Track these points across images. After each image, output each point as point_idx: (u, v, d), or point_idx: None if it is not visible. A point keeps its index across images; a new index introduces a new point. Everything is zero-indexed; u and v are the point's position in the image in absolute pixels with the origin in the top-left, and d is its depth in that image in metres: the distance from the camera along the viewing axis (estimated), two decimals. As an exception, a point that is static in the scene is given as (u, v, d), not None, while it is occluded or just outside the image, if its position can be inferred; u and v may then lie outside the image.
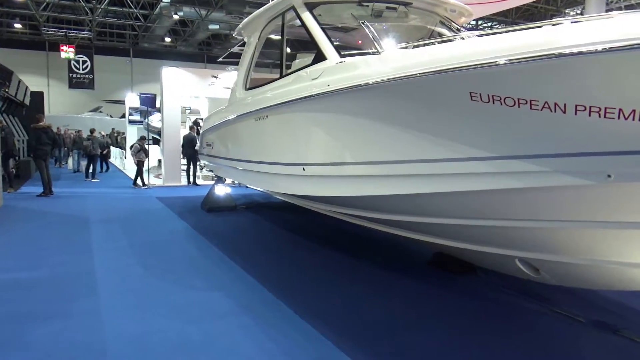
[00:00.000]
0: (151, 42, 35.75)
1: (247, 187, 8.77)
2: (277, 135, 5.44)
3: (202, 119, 14.39)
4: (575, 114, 2.61)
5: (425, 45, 3.90)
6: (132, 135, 21.28)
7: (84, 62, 31.28)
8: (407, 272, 5.36)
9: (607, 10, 13.36)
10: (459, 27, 5.96)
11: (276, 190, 5.91)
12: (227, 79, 12.64)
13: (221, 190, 9.22)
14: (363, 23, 4.75)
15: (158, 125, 16.49)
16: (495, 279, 4.97)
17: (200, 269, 5.59)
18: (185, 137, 13.11)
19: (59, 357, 3.34)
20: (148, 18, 28.14)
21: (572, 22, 2.74)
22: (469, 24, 6.83)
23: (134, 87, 34.84)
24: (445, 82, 3.12)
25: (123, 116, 28.54)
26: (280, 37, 6.02)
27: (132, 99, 21.50)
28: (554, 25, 2.85)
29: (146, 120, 18.24)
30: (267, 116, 5.57)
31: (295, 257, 6.13)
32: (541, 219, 3.30)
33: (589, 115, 2.57)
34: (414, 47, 3.81)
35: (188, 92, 13.38)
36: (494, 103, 2.92)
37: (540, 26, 2.88)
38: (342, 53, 4.56)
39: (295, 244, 6.86)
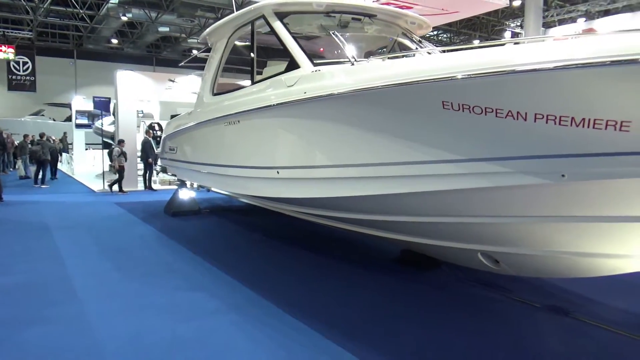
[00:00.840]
0: (97, 43, 34.53)
1: (210, 190, 8.85)
2: (249, 140, 5.59)
3: (157, 123, 14.21)
4: (535, 121, 2.98)
5: (395, 57, 4.23)
6: (79, 139, 20.55)
7: (25, 63, 29.73)
8: (377, 269, 5.66)
9: (543, 24, 14.36)
10: (419, 39, 6.35)
11: (247, 193, 6.04)
12: (185, 84, 12.61)
13: (185, 194, 9.21)
14: (333, 33, 5.04)
15: (110, 129, 16.06)
16: (458, 272, 5.36)
17: (178, 271, 5.65)
18: (143, 142, 12.88)
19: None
20: (94, 19, 27.21)
21: (528, 42, 3.13)
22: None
23: (78, 89, 33.48)
24: (419, 92, 3.42)
25: (67, 119, 27.42)
26: (249, 44, 6.19)
27: (79, 102, 20.75)
28: (515, 44, 3.23)
29: (98, 124, 17.67)
30: (238, 121, 5.70)
31: (269, 258, 6.29)
32: (503, 215, 3.67)
33: (546, 122, 2.94)
34: (388, 58, 4.11)
35: (144, 95, 13.17)
36: (463, 111, 3.25)
37: (504, 44, 3.25)
38: (315, 62, 4.80)
39: (265, 245, 7.03)
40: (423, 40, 6.34)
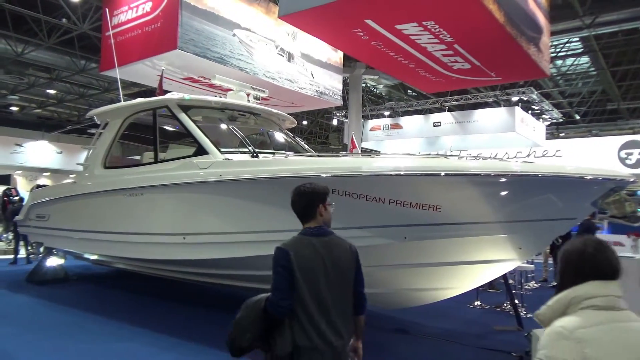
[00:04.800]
0: None
1: (78, 258, 9.00)
2: (155, 210, 6.45)
3: (11, 189, 13.21)
4: (389, 203, 4.82)
5: (288, 155, 5.87)
6: None
7: None
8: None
9: (362, 116, 17.75)
10: (287, 130, 8.12)
11: (149, 257, 6.73)
12: (34, 149, 12.30)
13: (53, 262, 9.06)
14: (233, 129, 6.49)
15: None
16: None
17: (97, 329, 6.05)
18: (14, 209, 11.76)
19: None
20: None
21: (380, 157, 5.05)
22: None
23: None
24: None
25: None
26: (147, 124, 7.18)
27: None
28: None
29: None
30: (142, 194, 6.56)
31: (168, 313, 7.00)
32: (367, 265, 5.39)
33: (396, 204, 4.81)
34: (286, 156, 5.72)
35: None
36: (344, 195, 4.95)
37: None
38: (221, 150, 6.10)
39: (159, 304, 7.63)
40: (289, 132, 8.11)
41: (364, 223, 5.07)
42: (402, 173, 4.69)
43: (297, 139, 8.19)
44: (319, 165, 5.17)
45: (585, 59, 17.65)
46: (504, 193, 4.65)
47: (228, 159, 5.88)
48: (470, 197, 4.66)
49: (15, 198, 13.82)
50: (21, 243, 11.59)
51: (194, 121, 6.53)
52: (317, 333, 2.46)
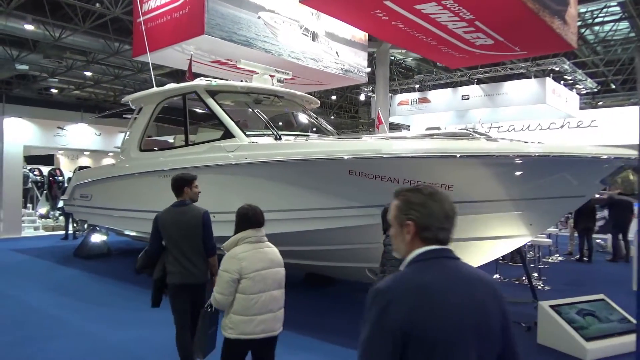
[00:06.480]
0: None
1: (120, 234, 9.66)
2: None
3: (56, 169, 14.11)
4: (403, 183, 5.07)
5: (308, 138, 6.15)
6: None
7: None
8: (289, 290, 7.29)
9: (390, 90, 17.75)
10: (310, 111, 8.39)
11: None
12: (75, 131, 13.02)
13: (97, 238, 9.79)
14: (258, 112, 6.81)
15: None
16: (348, 286, 7.27)
17: (138, 299, 6.60)
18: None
19: None
20: None
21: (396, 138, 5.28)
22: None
23: None
24: (330, 163, 5.35)
25: None
26: (178, 107, 7.59)
27: None
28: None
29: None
30: (175, 175, 7.01)
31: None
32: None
33: (410, 184, 5.05)
34: (307, 139, 6.01)
35: (32, 142, 13.20)
36: (361, 176, 5.23)
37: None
38: (246, 133, 6.45)
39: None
40: (312, 113, 8.38)
41: (380, 202, 5.35)
42: (419, 155, 4.91)
43: (320, 119, 8.45)
44: (337, 148, 5.45)
45: (625, 24, 16.98)
46: (514, 173, 4.83)
47: (253, 142, 6.23)
48: (481, 176, 4.86)
49: (60, 178, 14.73)
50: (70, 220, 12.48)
51: (221, 105, 6.88)
52: (178, 263, 3.96)
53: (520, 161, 4.68)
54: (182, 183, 4.15)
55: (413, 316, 1.40)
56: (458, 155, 4.74)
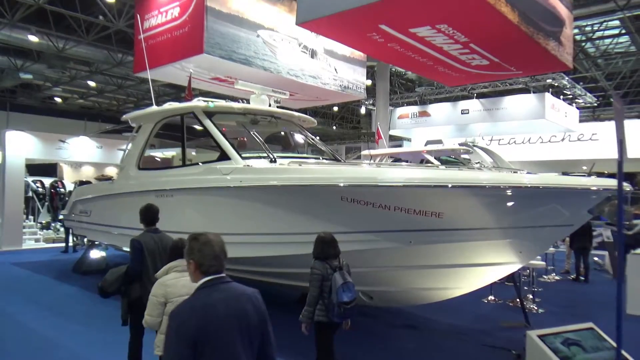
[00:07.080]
0: None
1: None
2: (182, 210, 6.98)
3: (58, 181, 14.24)
4: (394, 210, 5.13)
5: (303, 164, 6.23)
6: None
7: None
8: (283, 310, 7.33)
9: (390, 104, 17.82)
10: (306, 131, 8.46)
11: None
12: (76, 144, 13.15)
13: (96, 254, 9.86)
14: (254, 134, 6.88)
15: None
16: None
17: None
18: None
19: None
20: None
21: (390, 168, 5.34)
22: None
23: None
24: (324, 189, 5.41)
25: None
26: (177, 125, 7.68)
27: None
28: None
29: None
30: (172, 195, 7.09)
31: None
32: (375, 266, 5.74)
33: (401, 211, 5.11)
34: (299, 164, 6.08)
35: (34, 155, 13.34)
36: (353, 202, 5.29)
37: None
38: (242, 156, 6.52)
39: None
40: (308, 133, 8.45)
41: (371, 228, 5.41)
42: (412, 184, 4.97)
43: (316, 139, 8.52)
44: (330, 175, 5.53)
45: (625, 38, 17.03)
46: (505, 203, 4.88)
47: (248, 165, 6.29)
48: (471, 206, 4.91)
49: (62, 190, 14.87)
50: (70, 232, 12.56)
51: (218, 127, 6.96)
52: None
53: (511, 192, 4.73)
54: (155, 215, 4.85)
55: (198, 327, 2.09)
56: (450, 186, 4.79)
